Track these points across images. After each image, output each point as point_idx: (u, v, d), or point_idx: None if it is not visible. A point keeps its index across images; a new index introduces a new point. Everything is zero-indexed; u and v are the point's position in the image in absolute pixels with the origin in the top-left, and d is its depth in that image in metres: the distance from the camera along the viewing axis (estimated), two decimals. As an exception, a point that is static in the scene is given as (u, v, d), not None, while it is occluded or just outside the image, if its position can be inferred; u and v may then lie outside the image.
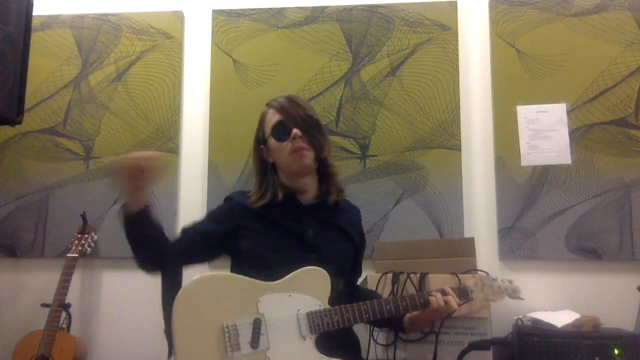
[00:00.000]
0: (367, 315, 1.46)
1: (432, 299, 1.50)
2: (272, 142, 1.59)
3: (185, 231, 1.58)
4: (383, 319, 1.51)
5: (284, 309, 1.42)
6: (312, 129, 1.58)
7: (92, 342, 2.43)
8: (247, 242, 1.55)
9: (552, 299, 2.24)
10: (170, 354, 1.41)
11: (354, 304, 1.47)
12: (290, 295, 1.44)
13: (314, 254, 1.53)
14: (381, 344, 2.00)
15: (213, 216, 1.63)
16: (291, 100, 1.62)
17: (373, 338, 1.99)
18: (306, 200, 1.61)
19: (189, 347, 1.35)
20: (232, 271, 1.60)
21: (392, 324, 1.66)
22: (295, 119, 1.56)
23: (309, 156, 1.56)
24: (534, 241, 2.30)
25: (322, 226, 1.60)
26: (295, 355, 1.39)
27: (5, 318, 2.45)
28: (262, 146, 1.63)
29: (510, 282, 1.66)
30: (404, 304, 1.50)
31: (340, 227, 1.64)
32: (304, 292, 1.45)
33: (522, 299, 2.06)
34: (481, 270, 2.06)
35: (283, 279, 1.45)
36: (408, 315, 1.60)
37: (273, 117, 1.59)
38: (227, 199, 1.67)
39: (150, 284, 2.44)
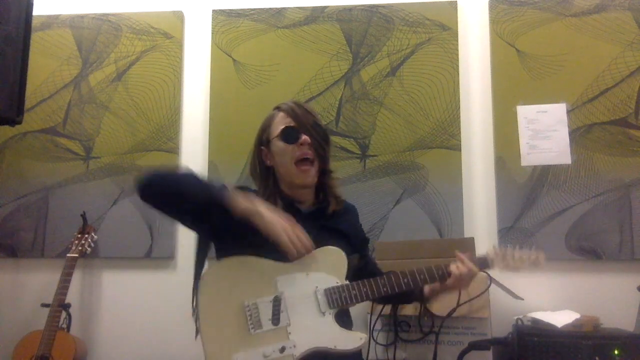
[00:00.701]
0: (385, 289, 1.48)
1: (453, 267, 1.51)
2: (278, 144, 1.57)
3: None
4: (403, 295, 1.52)
5: (302, 286, 1.46)
6: (321, 139, 1.58)
7: (92, 342, 2.43)
8: (246, 241, 1.52)
9: (552, 299, 2.24)
10: (197, 333, 1.45)
11: (371, 278, 1.49)
12: (307, 275, 1.47)
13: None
14: (381, 344, 2.00)
15: None
16: (302, 106, 1.62)
17: (373, 338, 1.99)
18: (304, 208, 1.62)
19: (214, 327, 1.41)
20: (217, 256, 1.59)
21: (413, 296, 1.67)
22: (307, 126, 1.56)
23: (312, 174, 1.57)
24: (534, 241, 2.30)
25: (321, 232, 1.58)
26: (316, 330, 1.43)
27: (5, 318, 2.45)
28: (262, 147, 1.62)
29: (531, 250, 1.61)
30: (421, 276, 1.51)
31: (341, 231, 1.64)
32: (320, 271, 1.48)
33: (522, 299, 2.08)
34: (481, 271, 2.06)
35: (299, 259, 1.46)
36: (429, 286, 1.61)
37: (283, 120, 1.59)
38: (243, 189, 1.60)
39: (150, 284, 2.46)
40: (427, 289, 1.62)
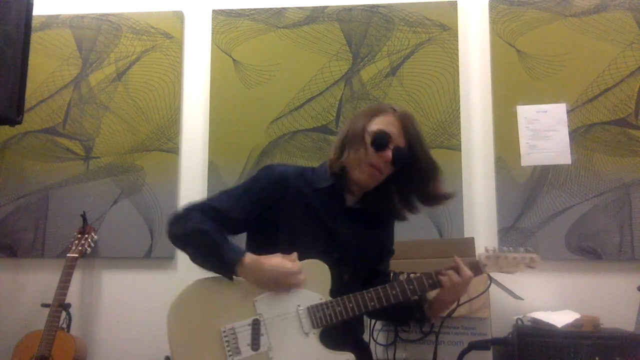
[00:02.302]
0: (372, 304, 1.40)
1: (443, 278, 1.43)
2: (366, 139, 1.49)
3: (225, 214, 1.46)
4: (402, 313, 1.46)
5: (283, 306, 1.38)
6: (401, 165, 1.50)
7: (92, 342, 2.42)
8: (278, 219, 1.49)
9: (552, 299, 2.24)
10: None
11: (358, 292, 1.41)
12: (288, 292, 1.39)
13: (337, 253, 1.48)
14: (381, 344, 1.99)
15: (250, 195, 1.51)
16: (415, 127, 1.52)
17: (373, 338, 1.98)
18: (350, 200, 1.57)
19: (187, 356, 1.33)
20: (247, 247, 1.54)
21: (413, 314, 1.59)
22: (402, 147, 1.49)
23: (375, 181, 1.52)
24: (534, 241, 2.30)
25: (356, 230, 1.54)
26: (300, 353, 1.35)
27: (5, 318, 2.45)
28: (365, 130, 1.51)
29: (526, 250, 1.53)
30: (410, 287, 1.43)
31: (373, 236, 1.61)
32: (303, 287, 1.40)
33: (522, 299, 2.08)
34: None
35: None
36: (429, 302, 1.54)
37: (388, 124, 1.50)
38: (272, 171, 1.55)
39: (150, 284, 2.46)
40: (427, 308, 1.55)
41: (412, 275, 1.47)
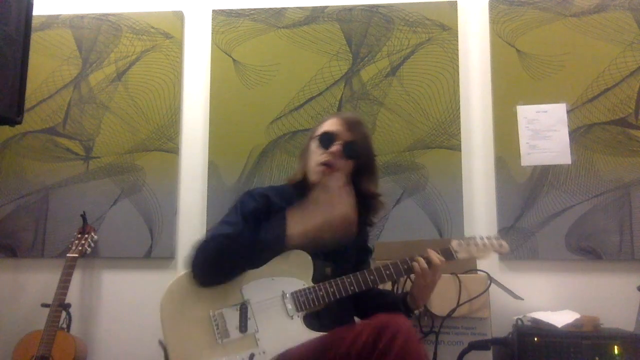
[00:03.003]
0: (352, 288, 1.47)
1: (414, 264, 1.52)
2: (312, 144, 1.64)
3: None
4: (387, 309, 1.48)
5: (268, 292, 1.46)
6: (350, 157, 1.60)
7: (92, 342, 2.43)
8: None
9: (552, 299, 2.24)
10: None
11: (338, 278, 1.48)
12: (273, 279, 1.47)
13: (329, 267, 1.56)
14: (381, 344, 1.99)
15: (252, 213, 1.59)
16: (355, 122, 1.65)
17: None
18: None
19: (180, 340, 1.40)
20: None
21: (398, 307, 1.63)
22: (347, 139, 1.59)
23: (331, 176, 1.56)
24: (534, 241, 2.30)
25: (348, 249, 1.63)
26: (285, 334, 1.42)
27: (5, 318, 2.45)
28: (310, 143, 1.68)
29: (496, 238, 1.63)
30: (387, 272, 1.51)
31: (364, 246, 1.70)
32: (286, 275, 1.48)
33: (522, 299, 2.08)
34: (481, 271, 2.06)
35: (264, 265, 1.48)
36: (409, 293, 1.61)
37: (331, 126, 1.63)
38: (260, 197, 1.62)
39: (150, 284, 2.46)
40: (408, 297, 1.61)
41: (389, 262, 1.54)
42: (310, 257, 1.50)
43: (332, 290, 1.46)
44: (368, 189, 1.64)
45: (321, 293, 1.45)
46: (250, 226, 1.53)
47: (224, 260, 1.46)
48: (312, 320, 1.46)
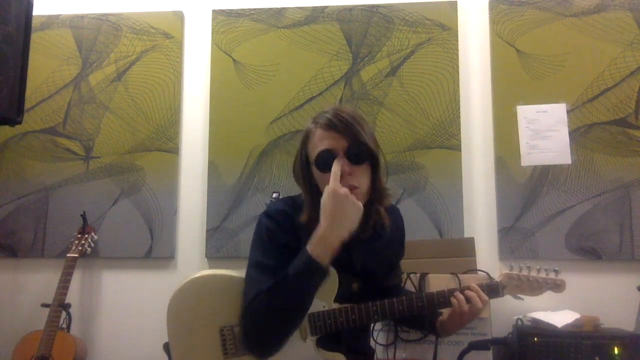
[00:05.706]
0: (376, 317, 1.34)
1: (453, 300, 1.35)
2: (316, 171, 1.36)
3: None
4: (412, 320, 1.40)
5: None
6: (362, 160, 1.33)
7: (92, 342, 2.43)
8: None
9: (552, 299, 2.22)
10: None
11: (362, 304, 1.34)
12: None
13: (357, 284, 1.41)
14: (381, 344, 1.99)
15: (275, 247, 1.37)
16: (342, 118, 1.33)
17: (373, 338, 1.98)
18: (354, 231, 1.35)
19: (185, 350, 1.33)
20: None
21: (424, 326, 1.53)
22: (345, 147, 1.31)
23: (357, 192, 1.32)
24: (534, 241, 2.30)
25: (370, 257, 1.44)
26: (295, 356, 1.33)
27: (5, 318, 2.45)
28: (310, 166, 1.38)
29: (555, 271, 1.41)
30: (419, 304, 1.36)
31: (385, 258, 1.51)
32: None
33: (522, 299, 2.07)
34: (481, 271, 2.07)
35: None
36: (440, 318, 1.46)
37: (321, 141, 1.33)
38: (271, 218, 1.40)
39: (150, 284, 2.46)
40: (438, 323, 1.46)
41: (424, 293, 1.40)
42: (336, 275, 1.33)
43: (353, 317, 1.32)
44: (377, 181, 1.40)
45: (340, 320, 1.32)
46: (282, 253, 1.33)
47: (278, 320, 1.28)
48: (327, 338, 1.35)
